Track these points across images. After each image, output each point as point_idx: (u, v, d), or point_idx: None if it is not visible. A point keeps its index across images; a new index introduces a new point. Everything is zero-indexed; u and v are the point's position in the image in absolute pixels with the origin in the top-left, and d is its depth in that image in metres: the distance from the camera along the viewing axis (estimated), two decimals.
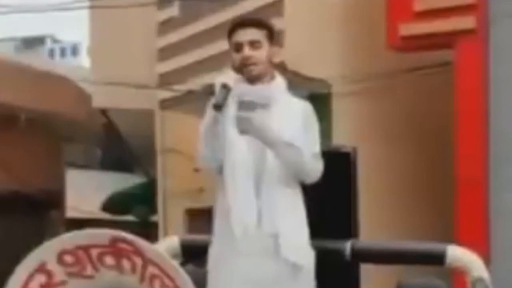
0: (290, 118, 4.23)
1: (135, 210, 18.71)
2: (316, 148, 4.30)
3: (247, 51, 4.20)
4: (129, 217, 18.77)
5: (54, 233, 12.82)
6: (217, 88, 4.12)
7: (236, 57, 4.24)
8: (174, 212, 15.97)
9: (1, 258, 15.39)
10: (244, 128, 4.07)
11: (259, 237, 4.10)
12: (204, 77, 12.91)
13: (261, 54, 4.22)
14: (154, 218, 17.58)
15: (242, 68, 4.22)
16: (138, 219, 18.51)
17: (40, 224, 17.91)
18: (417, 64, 11.67)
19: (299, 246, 4.20)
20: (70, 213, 19.30)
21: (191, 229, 14.68)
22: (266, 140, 4.12)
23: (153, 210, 17.22)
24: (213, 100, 4.10)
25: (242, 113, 4.07)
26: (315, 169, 4.27)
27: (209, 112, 4.15)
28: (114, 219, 18.01)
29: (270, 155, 4.15)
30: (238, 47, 4.23)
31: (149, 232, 15.26)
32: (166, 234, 15.15)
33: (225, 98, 4.08)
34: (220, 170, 4.19)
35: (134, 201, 18.83)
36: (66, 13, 16.51)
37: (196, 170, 13.31)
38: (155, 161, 16.56)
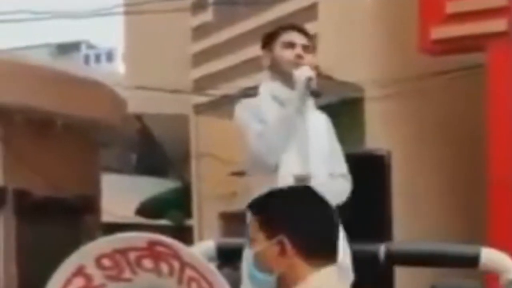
0: (320, 127, 4.37)
1: (170, 214, 18.79)
2: (345, 167, 4.41)
3: (300, 50, 4.35)
4: (164, 222, 18.86)
5: (90, 238, 12.94)
6: (301, 81, 4.23)
7: (287, 53, 4.35)
8: (208, 216, 16.04)
9: (39, 263, 15.60)
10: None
11: None
12: (238, 82, 12.99)
13: (310, 59, 4.39)
14: (188, 222, 17.66)
15: (291, 64, 4.32)
16: (172, 223, 18.59)
17: (76, 229, 18.04)
18: (449, 67, 11.66)
19: (343, 249, 4.26)
20: (106, 217, 19.42)
21: (226, 232, 14.73)
22: (331, 189, 4.12)
23: (188, 214, 17.31)
24: (308, 89, 4.22)
25: (300, 176, 4.17)
26: (346, 190, 4.40)
27: (291, 106, 4.23)
28: (149, 224, 18.12)
29: (311, 161, 4.25)
30: (290, 45, 4.36)
31: (184, 236, 15.35)
32: (200, 238, 15.23)
33: (316, 87, 4.23)
34: (274, 169, 4.23)
35: (169, 205, 18.91)
36: (101, 19, 16.67)
37: (231, 174, 13.43)
38: (190, 165, 16.64)
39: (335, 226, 2.70)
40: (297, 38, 4.38)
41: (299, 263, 2.62)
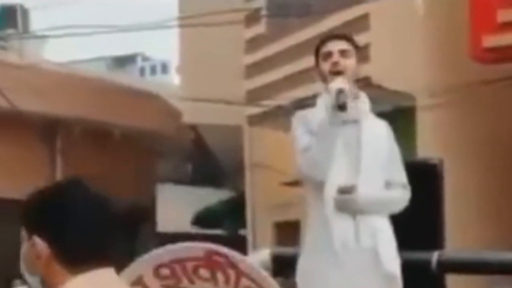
0: (376, 136, 4.32)
1: (225, 224, 18.88)
2: (404, 177, 4.38)
3: (337, 57, 4.30)
4: (219, 231, 18.96)
5: (146, 248, 13.12)
6: (333, 93, 4.20)
7: (325, 65, 4.33)
8: (262, 226, 16.12)
9: None
10: (349, 208, 4.17)
11: (358, 251, 4.18)
12: (291, 92, 13.07)
13: (350, 63, 4.32)
14: (243, 231, 17.75)
15: (331, 75, 4.30)
16: (227, 233, 18.67)
17: (132, 239, 18.28)
18: (500, 75, 11.62)
19: (394, 258, 4.29)
20: (161, 227, 19.59)
21: (280, 242, 14.77)
22: (373, 208, 4.24)
23: (242, 223, 17.42)
24: (334, 102, 4.18)
25: (343, 187, 4.18)
26: (405, 200, 4.37)
27: (325, 119, 4.21)
28: (204, 233, 18.23)
29: (362, 171, 4.23)
30: (327, 56, 4.33)
31: (238, 246, 15.43)
32: (254, 247, 15.31)
33: (345, 100, 4.18)
34: (321, 182, 4.22)
35: (224, 215, 19.01)
36: (156, 31, 16.94)
37: (285, 184, 13.50)
38: (244, 175, 16.76)
39: (105, 228, 2.43)
40: (334, 46, 4.34)
41: (56, 268, 2.37)
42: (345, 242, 4.18)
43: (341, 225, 4.18)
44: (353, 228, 4.19)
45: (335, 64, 4.29)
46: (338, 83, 4.24)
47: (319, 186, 4.23)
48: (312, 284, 4.24)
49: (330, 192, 4.20)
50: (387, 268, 4.23)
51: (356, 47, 4.43)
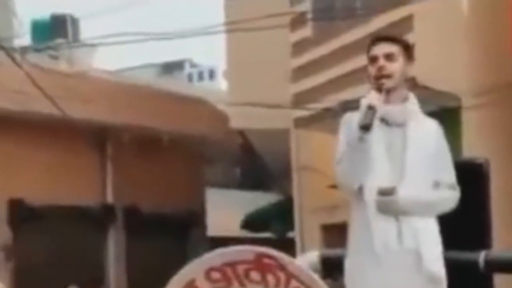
0: (424, 138, 4.32)
1: (273, 227, 18.97)
2: (453, 177, 4.38)
3: (382, 61, 4.31)
4: (267, 234, 19.05)
5: (197, 252, 13.20)
6: (363, 109, 4.21)
7: (371, 69, 4.35)
8: (310, 228, 16.17)
9: (147, 277, 16.00)
10: (390, 210, 4.19)
11: (400, 252, 4.20)
12: (338, 95, 13.11)
13: (396, 66, 4.31)
14: (291, 234, 17.82)
15: (376, 80, 4.32)
16: (275, 236, 18.76)
17: (183, 243, 18.43)
18: None
19: (437, 259, 4.30)
20: (211, 231, 19.73)
21: (327, 244, 14.80)
22: (416, 209, 4.24)
23: (290, 226, 17.48)
24: (359, 121, 4.18)
25: (384, 189, 4.20)
26: (453, 200, 4.38)
27: (353, 132, 4.21)
28: (253, 237, 18.33)
29: (407, 174, 4.23)
30: (373, 60, 4.35)
31: (286, 248, 15.47)
32: (302, 250, 15.36)
33: (372, 119, 4.17)
34: (360, 188, 4.26)
35: (272, 218, 19.10)
36: (203, 38, 17.08)
37: (332, 186, 13.51)
38: (291, 178, 16.82)
39: None
40: (379, 50, 4.34)
41: None
42: (386, 243, 4.20)
43: (383, 227, 4.20)
44: (395, 229, 4.21)
45: (380, 68, 4.30)
46: (371, 99, 4.25)
47: (358, 190, 4.27)
48: (358, 285, 4.26)
49: (371, 194, 4.23)
50: (429, 269, 4.23)
51: (406, 46, 4.42)
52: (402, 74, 4.34)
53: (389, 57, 4.31)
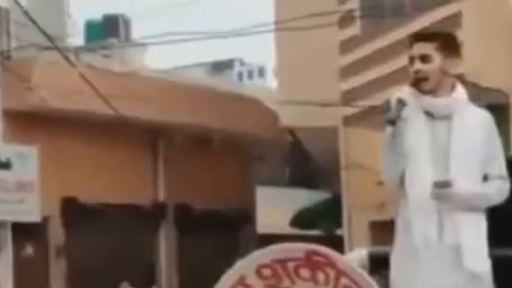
0: (470, 129, 4.26)
1: (321, 224, 19.00)
2: (503, 169, 4.32)
3: (417, 64, 4.26)
4: (316, 232, 19.10)
5: (247, 249, 13.30)
6: (393, 103, 4.18)
7: (410, 69, 4.31)
8: (358, 225, 16.22)
9: (198, 273, 16.17)
10: (445, 201, 4.17)
11: (441, 248, 4.16)
12: (387, 92, 13.13)
13: (431, 67, 4.25)
14: (339, 231, 17.86)
15: (415, 81, 4.28)
16: (324, 233, 18.78)
17: (233, 241, 18.56)
18: None
19: (480, 256, 4.25)
20: (261, 229, 19.83)
21: (375, 241, 14.80)
22: (469, 202, 4.21)
23: (339, 224, 17.53)
24: (387, 115, 4.18)
25: (440, 182, 4.15)
26: (503, 192, 4.32)
27: (387, 127, 4.22)
28: (301, 234, 18.37)
29: (452, 166, 4.19)
30: (411, 61, 4.30)
31: (335, 245, 15.48)
32: (351, 247, 15.41)
33: (398, 113, 4.15)
34: (401, 183, 4.23)
35: (320, 216, 19.12)
36: (252, 36, 17.22)
37: (380, 183, 13.53)
38: (340, 176, 16.88)
39: None
40: (415, 50, 4.29)
41: None
42: (427, 239, 4.17)
43: (423, 223, 4.18)
44: (436, 225, 4.18)
45: (416, 72, 4.27)
46: (401, 92, 4.25)
47: (400, 188, 4.26)
48: (402, 283, 4.27)
49: (414, 189, 4.21)
50: (470, 266, 4.19)
51: (446, 40, 4.33)
52: (441, 72, 4.27)
53: (424, 58, 4.26)
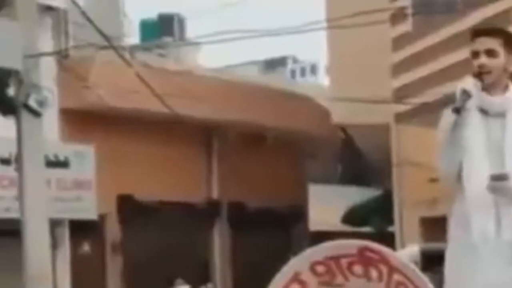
0: None
1: (372, 221, 18.99)
2: None
3: (483, 59, 4.27)
4: (367, 229, 19.09)
5: (299, 246, 13.38)
6: (458, 93, 4.20)
7: (473, 64, 4.32)
8: (409, 222, 16.21)
9: (252, 270, 16.29)
10: (502, 194, 4.17)
11: (499, 244, 4.16)
12: (439, 89, 13.13)
13: (497, 62, 4.28)
14: (390, 228, 17.86)
15: (477, 75, 4.29)
16: (375, 230, 18.77)
17: (286, 238, 18.65)
18: None
19: None
20: (313, 226, 19.88)
21: (427, 238, 14.77)
22: None
23: (389, 220, 17.54)
24: (453, 105, 4.17)
25: (496, 175, 4.15)
26: None
27: (449, 117, 4.21)
28: (353, 231, 18.40)
29: (507, 163, 4.20)
30: (474, 55, 4.31)
31: (386, 242, 15.44)
32: (402, 244, 15.43)
33: (464, 102, 4.18)
34: (458, 177, 4.24)
35: (372, 212, 19.11)
36: (304, 34, 17.30)
37: (432, 180, 13.55)
38: (391, 173, 16.88)
39: None
40: (480, 45, 4.30)
41: None
42: (484, 234, 4.17)
43: (482, 218, 4.18)
44: (494, 220, 4.18)
45: (481, 66, 4.28)
46: (465, 83, 4.27)
47: (456, 183, 4.27)
48: (458, 278, 4.28)
49: (470, 184, 4.22)
50: None
51: (508, 38, 4.33)
52: (504, 69, 4.30)
53: (490, 53, 4.27)
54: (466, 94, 4.23)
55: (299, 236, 18.95)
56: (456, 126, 4.24)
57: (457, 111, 4.22)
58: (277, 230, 18.33)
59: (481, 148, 4.25)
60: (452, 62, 12.64)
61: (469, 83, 4.27)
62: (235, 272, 17.98)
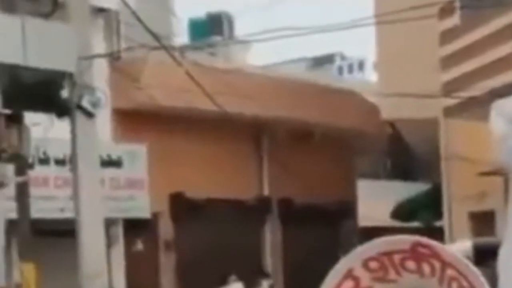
0: None
1: (421, 216, 18.93)
2: None
3: None
4: (416, 224, 19.04)
5: (349, 242, 13.40)
6: None
7: None
8: (458, 216, 16.16)
9: (302, 265, 16.39)
10: None
11: None
12: (486, 83, 13.11)
13: None
14: (438, 223, 17.81)
15: None
16: (423, 224, 18.72)
17: (335, 234, 18.71)
18: None
19: None
20: (362, 222, 19.88)
21: (476, 232, 14.76)
22: None
23: (438, 215, 17.49)
24: None
25: None
26: None
27: None
28: (402, 226, 18.36)
29: None
30: None
31: (435, 237, 15.36)
32: (451, 238, 15.39)
33: None
34: None
35: (420, 207, 19.05)
36: (353, 30, 17.32)
37: (481, 174, 13.53)
38: (440, 167, 16.84)
39: None
40: None
41: None
42: None
43: None
44: None
45: None
46: None
47: None
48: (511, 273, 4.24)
49: None
50: None
51: None
52: None
53: None
54: None
55: (348, 232, 18.98)
56: None
57: None
58: (326, 226, 18.38)
59: None
60: (501, 56, 12.59)
61: None
62: (286, 268, 18.08)
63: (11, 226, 9.85)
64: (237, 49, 19.90)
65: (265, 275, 16.67)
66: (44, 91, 9.23)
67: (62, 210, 13.07)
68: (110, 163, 14.34)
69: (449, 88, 15.07)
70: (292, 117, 17.08)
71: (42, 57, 8.92)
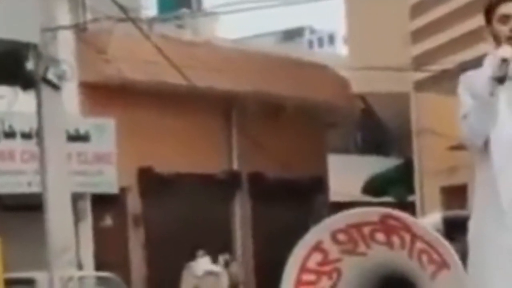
0: None
1: (393, 191, 18.98)
2: None
3: None
4: (388, 199, 19.08)
5: (320, 217, 13.37)
6: (496, 62, 4.07)
7: (502, 29, 4.19)
8: (430, 191, 16.15)
9: (272, 240, 16.35)
10: None
11: None
12: (456, 56, 13.06)
13: None
14: (410, 198, 17.84)
15: (508, 40, 4.12)
16: (395, 199, 18.75)
17: (306, 209, 18.67)
18: None
19: None
20: (333, 197, 19.88)
21: (447, 206, 14.77)
22: None
23: (410, 190, 17.52)
24: (493, 73, 4.03)
25: None
26: None
27: (484, 86, 4.06)
28: (373, 201, 18.41)
29: None
30: (504, 19, 4.18)
31: (407, 211, 15.41)
32: (423, 212, 15.39)
33: (506, 71, 4.02)
34: (485, 145, 4.12)
35: (392, 182, 19.09)
36: (322, 3, 17.17)
37: (452, 148, 13.52)
38: (411, 142, 16.84)
39: None
40: (510, 9, 4.12)
41: None
42: None
43: (510, 183, 4.09)
44: None
45: None
46: (505, 51, 4.12)
47: (481, 152, 4.15)
48: (482, 246, 4.19)
49: (498, 149, 4.12)
50: None
51: None
52: None
53: None
54: (507, 62, 4.09)
55: (318, 207, 18.97)
56: (492, 95, 4.10)
57: (501, 81, 4.09)
58: (297, 200, 18.36)
59: (504, 114, 4.14)
60: (471, 29, 12.53)
61: (506, 51, 4.12)
62: (256, 242, 18.05)
63: None
64: (206, 22, 19.72)
65: (224, 250, 16.65)
66: (7, 63, 9.05)
67: (29, 184, 12.95)
68: (78, 137, 14.20)
69: (419, 62, 15.02)
70: (263, 91, 16.99)
71: (5, 28, 8.72)
